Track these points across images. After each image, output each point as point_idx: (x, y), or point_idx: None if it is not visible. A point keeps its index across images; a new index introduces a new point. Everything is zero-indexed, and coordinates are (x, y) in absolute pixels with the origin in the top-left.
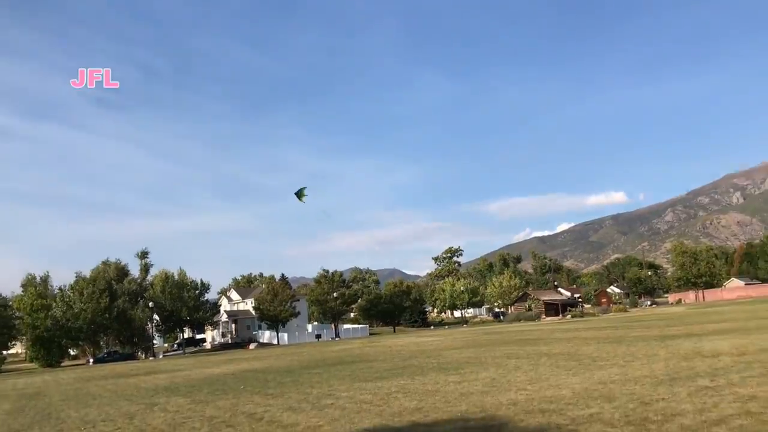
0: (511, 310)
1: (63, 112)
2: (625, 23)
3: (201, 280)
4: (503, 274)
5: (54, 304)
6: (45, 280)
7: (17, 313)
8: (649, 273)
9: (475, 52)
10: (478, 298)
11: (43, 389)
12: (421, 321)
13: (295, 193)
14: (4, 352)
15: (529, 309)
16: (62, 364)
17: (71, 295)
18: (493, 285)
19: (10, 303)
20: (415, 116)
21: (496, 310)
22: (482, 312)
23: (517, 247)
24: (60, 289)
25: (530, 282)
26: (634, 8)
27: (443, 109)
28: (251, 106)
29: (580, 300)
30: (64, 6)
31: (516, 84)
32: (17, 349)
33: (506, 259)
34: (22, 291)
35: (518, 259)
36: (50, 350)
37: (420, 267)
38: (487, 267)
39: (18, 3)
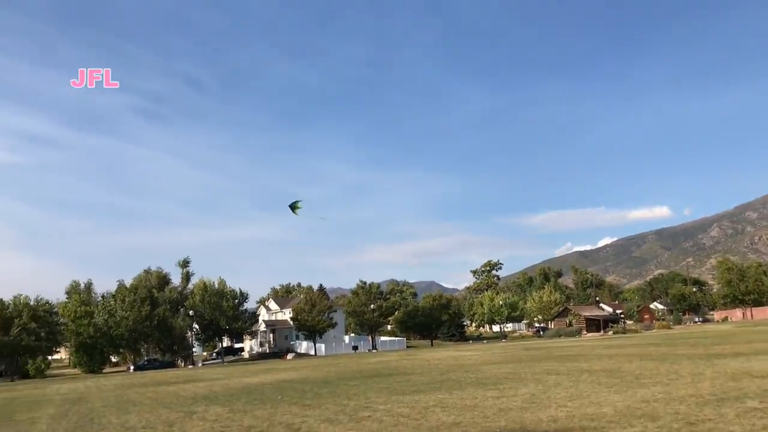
0: (551, 325)
1: (109, 124)
2: (669, 34)
3: (240, 289)
4: (543, 288)
5: (96, 311)
6: (89, 287)
7: (62, 320)
8: (694, 289)
9: (516, 65)
10: (518, 312)
11: (86, 395)
12: (458, 335)
13: (290, 206)
14: (49, 358)
15: (570, 324)
16: (104, 371)
17: (113, 302)
18: (533, 299)
19: (56, 310)
20: (454, 128)
21: (537, 325)
22: (521, 327)
23: (558, 262)
24: (102, 296)
25: (571, 297)
26: (679, 18)
27: (483, 121)
28: (290, 119)
29: (622, 316)
30: (109, 21)
31: (558, 97)
32: (62, 354)
33: (547, 274)
34: (67, 298)
35: (559, 274)
36: (92, 356)
37: (458, 280)
38: (527, 281)
39: (64, 17)
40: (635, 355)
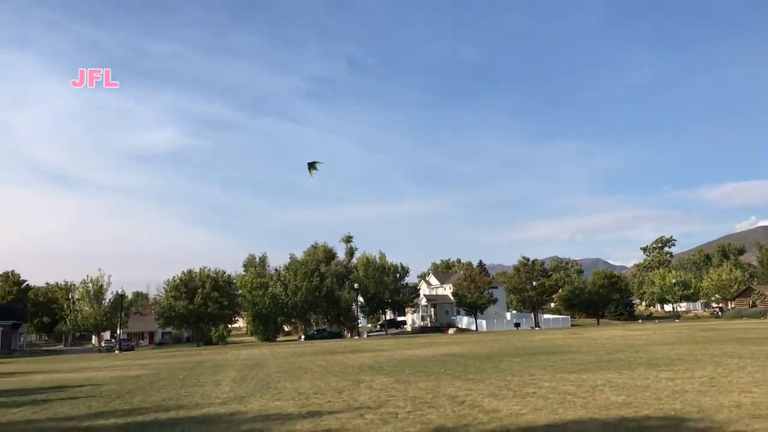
0: (730, 305)
1: (279, 107)
2: None
3: (401, 263)
4: (722, 266)
5: (271, 282)
6: (263, 260)
7: (240, 291)
8: None
9: (687, 26)
10: (692, 291)
11: (262, 361)
12: (627, 314)
13: (309, 164)
14: (229, 326)
15: (754, 305)
16: (277, 339)
17: (286, 274)
18: (710, 278)
19: (234, 281)
20: (621, 97)
21: (714, 305)
22: (697, 307)
23: (739, 237)
24: (276, 269)
25: (755, 276)
26: None
27: (653, 88)
28: (450, 95)
29: None
30: (276, 7)
31: (741, 59)
32: (240, 323)
33: (726, 250)
34: (244, 270)
35: (740, 251)
36: (267, 325)
37: (626, 257)
38: (704, 259)
39: (237, 7)
40: None
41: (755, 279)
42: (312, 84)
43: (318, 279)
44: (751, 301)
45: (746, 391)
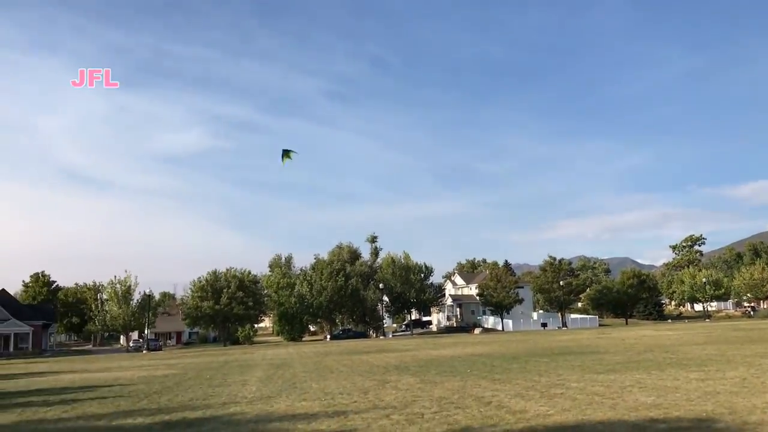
0: (763, 305)
1: (304, 108)
2: None
3: (425, 263)
4: (754, 264)
5: (297, 282)
6: (289, 260)
7: (266, 291)
8: None
9: (714, 21)
10: (722, 291)
11: (288, 361)
12: (656, 314)
13: (283, 151)
14: (255, 326)
15: None
16: (303, 339)
17: (312, 274)
18: (742, 276)
19: (260, 281)
20: (647, 93)
21: (746, 304)
22: (728, 306)
23: None
24: (301, 269)
25: None
26: None
27: (681, 84)
28: (474, 93)
29: None
30: (300, 10)
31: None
32: (266, 323)
33: (758, 249)
34: (269, 271)
35: None
36: (293, 325)
37: (655, 256)
38: (735, 257)
39: (261, 9)
40: None
41: None
42: (336, 84)
43: (343, 279)
44: None
45: None
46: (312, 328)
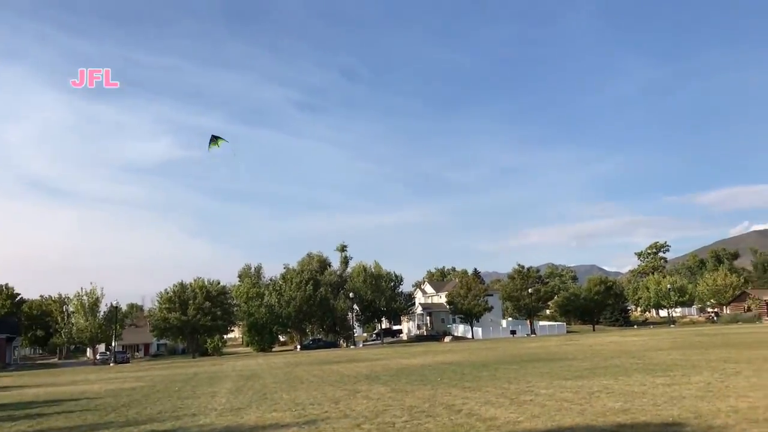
0: (725, 310)
1: (273, 118)
2: None
3: (395, 272)
4: (716, 271)
5: (267, 292)
6: (258, 270)
7: (235, 301)
8: None
9: (683, 33)
10: (687, 297)
11: (258, 372)
12: (622, 320)
13: (212, 137)
14: (225, 337)
15: (748, 310)
16: (273, 349)
17: (282, 284)
18: (705, 283)
19: (229, 292)
20: (616, 103)
21: (710, 310)
22: (692, 312)
23: (733, 242)
24: (271, 279)
25: (749, 280)
26: None
27: (648, 94)
28: (444, 102)
29: None
30: (273, 19)
31: (732, 66)
32: (235, 333)
33: (720, 255)
34: (239, 281)
35: (735, 256)
36: (263, 336)
37: (621, 263)
38: (698, 264)
39: (232, 18)
40: None
41: (750, 284)
42: (307, 94)
43: (312, 288)
44: (746, 306)
45: (743, 395)
46: (282, 339)
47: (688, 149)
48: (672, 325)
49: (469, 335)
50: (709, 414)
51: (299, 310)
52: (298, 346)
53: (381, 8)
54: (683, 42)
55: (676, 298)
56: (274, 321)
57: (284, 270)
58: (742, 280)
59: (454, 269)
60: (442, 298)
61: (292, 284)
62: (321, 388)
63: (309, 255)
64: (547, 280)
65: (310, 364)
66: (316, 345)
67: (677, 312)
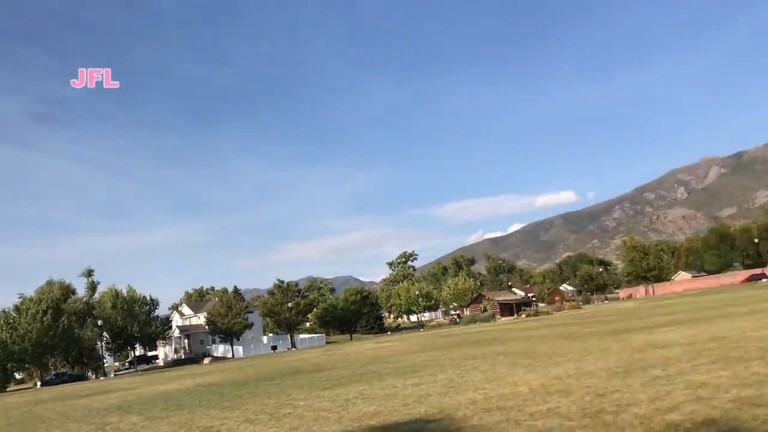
0: (466, 312)
1: (5, 130)
2: (569, 23)
3: (150, 296)
4: (457, 276)
5: None
6: None
7: None
8: (600, 269)
9: (420, 58)
10: (433, 302)
11: None
12: (377, 327)
13: None
14: None
15: (485, 310)
16: (8, 389)
17: (15, 316)
18: (448, 288)
19: None
20: (366, 123)
21: (453, 312)
22: (438, 315)
23: (470, 250)
24: (3, 311)
25: (484, 283)
26: (577, 8)
27: (392, 114)
28: (199, 118)
29: (534, 299)
30: (5, 25)
31: (462, 87)
32: None
33: (459, 262)
34: None
35: (472, 262)
36: None
37: (375, 273)
38: (441, 270)
39: None
40: (548, 336)
41: (485, 286)
42: (45, 106)
43: (51, 318)
44: (482, 307)
45: (480, 388)
46: (19, 376)
47: (427, 166)
48: (421, 329)
49: (230, 355)
50: (451, 408)
51: (38, 343)
52: (39, 383)
53: (128, 20)
54: (423, 66)
55: (424, 303)
56: (7, 358)
57: (19, 300)
58: (479, 284)
59: (213, 288)
60: (201, 319)
61: (27, 315)
62: (64, 425)
63: (49, 282)
64: (307, 293)
65: (53, 400)
66: (60, 380)
67: (426, 316)
